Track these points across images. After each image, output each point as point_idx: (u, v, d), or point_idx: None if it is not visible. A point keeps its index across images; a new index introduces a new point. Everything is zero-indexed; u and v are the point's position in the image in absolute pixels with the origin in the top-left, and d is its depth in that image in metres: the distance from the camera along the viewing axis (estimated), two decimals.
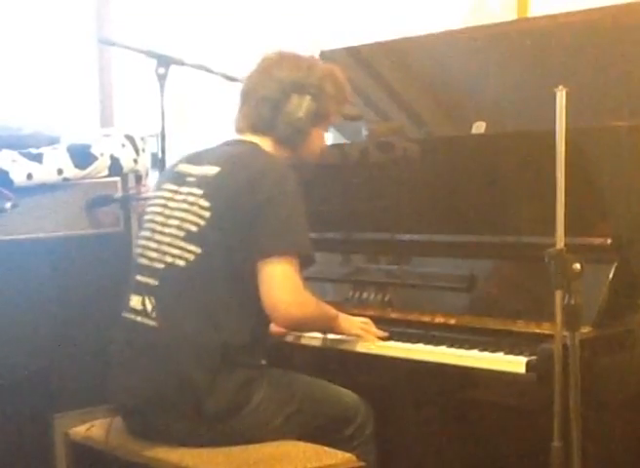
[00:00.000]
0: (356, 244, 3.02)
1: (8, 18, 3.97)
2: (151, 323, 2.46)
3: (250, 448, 2.40)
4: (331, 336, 2.70)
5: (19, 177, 3.17)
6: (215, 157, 2.56)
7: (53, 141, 3.39)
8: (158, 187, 2.64)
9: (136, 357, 2.49)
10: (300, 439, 2.46)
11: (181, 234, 2.46)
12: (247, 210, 2.41)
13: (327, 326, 2.65)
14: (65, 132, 3.54)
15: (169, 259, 2.47)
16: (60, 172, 3.28)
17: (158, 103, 3.05)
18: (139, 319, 2.49)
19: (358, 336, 2.65)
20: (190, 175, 2.54)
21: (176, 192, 2.54)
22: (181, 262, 2.44)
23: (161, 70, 3.02)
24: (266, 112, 2.58)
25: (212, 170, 2.50)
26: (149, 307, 2.47)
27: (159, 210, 2.56)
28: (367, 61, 3.45)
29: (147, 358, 2.46)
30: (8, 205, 2.93)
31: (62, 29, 4.13)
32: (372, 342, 2.64)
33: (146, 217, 2.62)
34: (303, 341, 2.77)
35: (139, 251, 2.59)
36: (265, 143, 2.59)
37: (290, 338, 2.78)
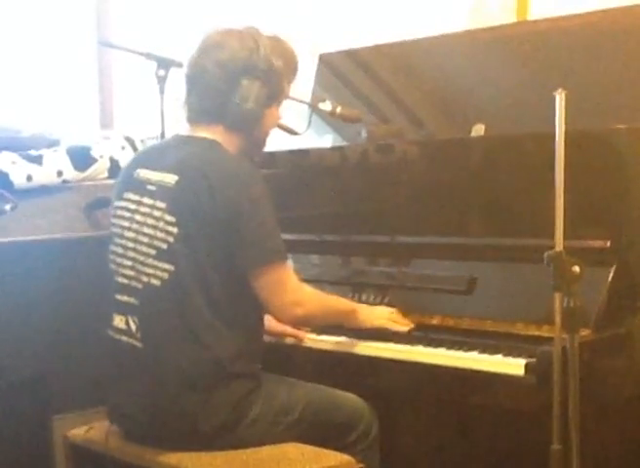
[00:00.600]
0: (355, 246, 3.02)
1: (8, 20, 3.97)
2: (137, 344, 2.42)
3: (249, 451, 2.39)
4: (334, 339, 2.69)
5: (18, 179, 3.17)
6: (172, 162, 2.44)
7: (53, 143, 3.40)
8: (119, 196, 2.53)
9: (127, 379, 2.46)
10: (301, 442, 2.44)
11: (153, 252, 2.40)
12: (214, 222, 2.34)
13: (342, 320, 2.62)
14: (65, 134, 3.55)
15: (145, 279, 2.41)
16: (59, 174, 3.28)
17: (158, 106, 3.05)
18: (124, 339, 2.46)
19: (384, 327, 2.62)
20: (150, 183, 2.45)
21: (139, 203, 2.46)
22: (157, 282, 2.39)
23: (161, 73, 3.03)
24: (213, 102, 2.44)
25: (170, 178, 2.40)
26: (134, 327, 2.43)
27: (127, 224, 2.48)
28: (366, 64, 3.45)
29: (138, 379, 2.43)
30: (7, 207, 2.93)
31: (63, 32, 4.13)
32: (402, 331, 2.61)
33: (114, 230, 2.53)
34: (304, 345, 2.77)
35: (113, 267, 2.51)
36: (218, 133, 2.47)
37: (291, 341, 2.78)
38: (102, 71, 4.25)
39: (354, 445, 2.51)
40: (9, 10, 3.98)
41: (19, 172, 3.17)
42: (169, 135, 3.08)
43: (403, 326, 2.64)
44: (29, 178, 3.20)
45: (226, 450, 2.38)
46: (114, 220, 2.54)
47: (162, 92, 3.04)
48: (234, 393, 2.38)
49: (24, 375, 3.14)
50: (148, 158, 2.55)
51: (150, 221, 2.42)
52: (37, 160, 3.24)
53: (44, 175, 3.24)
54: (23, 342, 3.14)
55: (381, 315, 2.65)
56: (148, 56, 3.05)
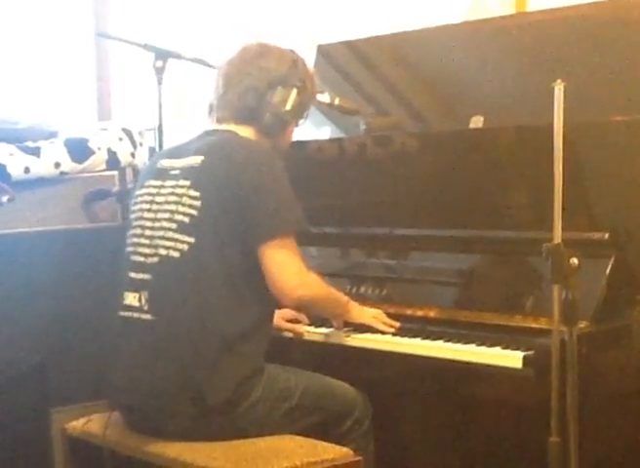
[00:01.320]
0: (354, 238, 3.02)
1: (5, 12, 3.96)
2: (146, 317, 2.46)
3: (247, 443, 2.40)
4: (309, 328, 2.71)
5: (16, 171, 3.17)
6: (196, 147, 2.55)
7: (50, 135, 3.39)
8: (141, 185, 2.63)
9: (133, 353, 2.48)
10: (297, 432, 2.46)
11: (174, 226, 2.46)
12: (235, 198, 2.41)
13: (337, 309, 2.66)
14: (63, 125, 3.54)
15: (163, 252, 2.46)
16: (57, 165, 3.28)
17: (156, 97, 3.04)
18: (134, 315, 2.49)
19: (370, 325, 2.66)
20: (173, 169, 2.54)
21: (161, 187, 2.54)
22: (176, 253, 2.44)
23: (158, 64, 3.02)
24: (252, 102, 2.57)
25: (195, 159, 2.50)
26: (144, 301, 2.47)
27: (147, 206, 2.55)
28: (365, 56, 3.44)
29: (145, 352, 2.46)
30: (5, 199, 2.92)
31: (60, 23, 4.12)
32: (385, 333, 2.64)
33: (133, 216, 2.61)
34: (300, 337, 2.77)
35: (130, 249, 2.57)
36: (246, 132, 2.58)
37: (289, 334, 2.78)
38: (100, 63, 4.24)
39: (348, 433, 2.54)
40: (6, 2, 3.97)
41: (16, 163, 3.17)
42: (167, 126, 3.09)
43: (388, 327, 2.66)
44: (27, 170, 3.19)
45: (226, 433, 2.40)
46: (134, 207, 2.62)
47: (160, 83, 3.03)
48: (237, 373, 2.40)
49: (23, 368, 3.14)
50: (172, 150, 2.65)
51: (172, 199, 2.49)
52: (35, 152, 3.23)
53: (42, 166, 3.24)
54: (22, 335, 3.14)
55: (370, 313, 2.69)
56: (146, 47, 3.04)
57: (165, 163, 2.58)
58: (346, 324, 2.71)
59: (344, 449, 2.39)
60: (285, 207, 2.45)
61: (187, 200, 2.46)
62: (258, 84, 2.57)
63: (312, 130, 3.32)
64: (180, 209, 2.46)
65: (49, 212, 3.26)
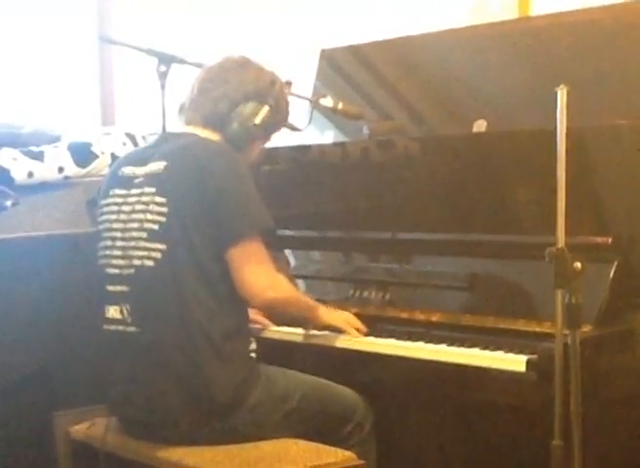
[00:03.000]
0: (357, 242, 3.02)
1: (9, 16, 3.97)
2: (131, 329, 2.46)
3: (250, 447, 2.40)
4: (312, 332, 2.71)
5: (20, 176, 3.17)
6: (159, 153, 2.54)
7: (54, 140, 3.40)
8: (105, 194, 2.62)
9: (125, 367, 2.49)
10: (298, 436, 2.46)
11: (144, 235, 2.46)
12: (201, 201, 2.41)
13: (306, 314, 2.65)
14: (66, 130, 3.54)
15: (137, 262, 2.46)
16: (60, 170, 3.29)
17: (159, 102, 3.04)
18: (119, 328, 2.49)
19: (341, 330, 2.65)
20: (137, 177, 2.53)
21: (127, 195, 2.53)
22: (150, 262, 2.44)
23: (162, 68, 3.02)
24: (223, 109, 2.58)
25: (158, 165, 2.49)
26: (126, 314, 2.47)
27: (114, 217, 2.55)
28: (368, 60, 3.44)
29: (137, 365, 2.46)
30: (9, 203, 2.93)
31: (63, 27, 4.12)
32: (354, 336, 2.64)
33: (102, 227, 2.60)
34: (303, 340, 2.77)
35: (103, 261, 2.57)
36: (212, 137, 2.58)
37: (289, 337, 2.78)
38: (103, 67, 4.24)
39: (350, 437, 2.55)
40: (10, 6, 3.98)
41: (20, 168, 3.17)
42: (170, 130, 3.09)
43: (358, 330, 2.66)
44: (30, 175, 3.20)
45: (227, 438, 2.41)
46: (101, 218, 2.62)
47: (163, 87, 3.02)
48: (231, 376, 2.41)
49: (27, 372, 3.14)
50: (133, 157, 2.64)
51: (139, 207, 2.48)
52: (38, 156, 3.24)
53: (45, 171, 3.25)
54: (25, 339, 3.14)
55: (340, 317, 2.68)
56: (149, 51, 3.03)
57: (127, 170, 2.57)
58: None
59: (348, 454, 2.39)
60: (249, 208, 2.45)
61: (155, 207, 2.45)
62: (233, 93, 2.59)
63: (315, 134, 3.32)
64: (149, 216, 2.45)
65: (52, 216, 3.26)
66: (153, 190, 2.46)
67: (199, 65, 3.10)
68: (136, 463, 2.49)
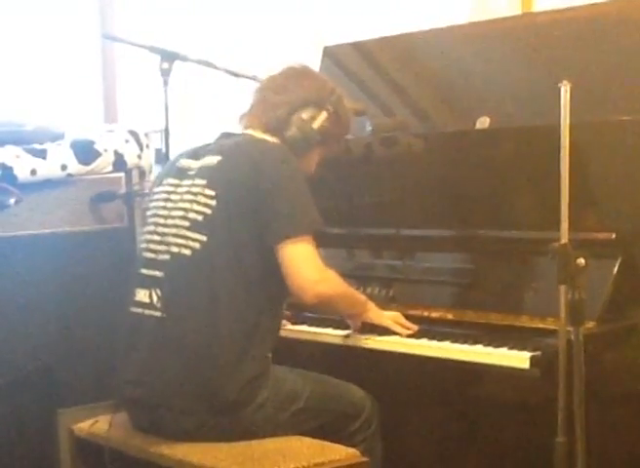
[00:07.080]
0: (360, 239, 3.02)
1: (12, 14, 3.97)
2: (157, 314, 2.47)
3: (254, 444, 2.40)
4: (349, 332, 2.70)
5: (23, 173, 3.17)
6: (215, 148, 2.57)
7: (57, 137, 3.40)
8: (159, 182, 2.66)
9: (143, 350, 2.49)
10: (304, 434, 2.46)
11: (186, 224, 2.48)
12: (251, 197, 2.43)
13: (356, 309, 2.65)
14: (69, 128, 3.54)
15: (174, 249, 2.48)
16: (63, 167, 3.29)
17: (162, 99, 3.05)
18: (146, 312, 2.50)
19: (388, 327, 2.64)
20: (191, 169, 2.56)
21: (177, 185, 2.56)
22: (187, 251, 2.46)
23: (165, 66, 3.02)
24: (282, 114, 2.60)
25: (212, 159, 2.53)
26: (155, 299, 2.48)
27: (162, 204, 2.58)
28: (371, 57, 3.44)
29: (155, 349, 2.46)
30: (12, 201, 2.94)
31: (66, 25, 4.13)
32: (404, 336, 2.63)
33: (149, 213, 2.64)
34: (310, 338, 2.77)
35: (143, 245, 2.60)
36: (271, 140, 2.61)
37: (296, 335, 2.78)
38: (106, 65, 4.25)
39: (356, 434, 2.54)
40: (13, 4, 3.98)
41: (23, 166, 3.18)
42: (173, 128, 3.10)
43: (406, 330, 2.65)
44: (33, 172, 3.20)
45: (234, 434, 2.41)
46: (150, 204, 2.65)
47: (166, 85, 3.03)
48: (245, 374, 2.40)
49: (30, 369, 3.15)
50: (192, 151, 2.66)
51: (187, 197, 2.51)
52: (41, 154, 3.24)
53: (48, 168, 3.25)
54: (29, 336, 3.15)
55: (389, 316, 2.67)
56: (152, 49, 3.04)
57: (184, 163, 2.61)
58: (363, 326, 2.69)
59: (352, 451, 2.39)
60: (302, 207, 2.46)
61: (202, 199, 2.47)
62: (293, 99, 2.61)
63: None
64: (195, 207, 2.48)
65: (55, 213, 3.27)
66: (204, 182, 2.49)
67: (202, 62, 3.11)
68: (140, 460, 2.48)
